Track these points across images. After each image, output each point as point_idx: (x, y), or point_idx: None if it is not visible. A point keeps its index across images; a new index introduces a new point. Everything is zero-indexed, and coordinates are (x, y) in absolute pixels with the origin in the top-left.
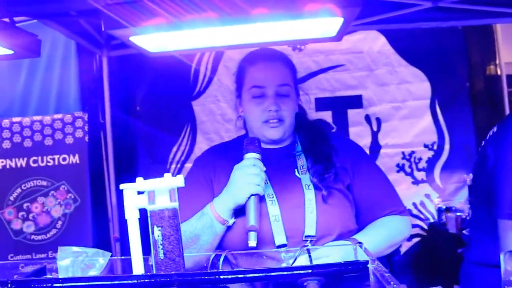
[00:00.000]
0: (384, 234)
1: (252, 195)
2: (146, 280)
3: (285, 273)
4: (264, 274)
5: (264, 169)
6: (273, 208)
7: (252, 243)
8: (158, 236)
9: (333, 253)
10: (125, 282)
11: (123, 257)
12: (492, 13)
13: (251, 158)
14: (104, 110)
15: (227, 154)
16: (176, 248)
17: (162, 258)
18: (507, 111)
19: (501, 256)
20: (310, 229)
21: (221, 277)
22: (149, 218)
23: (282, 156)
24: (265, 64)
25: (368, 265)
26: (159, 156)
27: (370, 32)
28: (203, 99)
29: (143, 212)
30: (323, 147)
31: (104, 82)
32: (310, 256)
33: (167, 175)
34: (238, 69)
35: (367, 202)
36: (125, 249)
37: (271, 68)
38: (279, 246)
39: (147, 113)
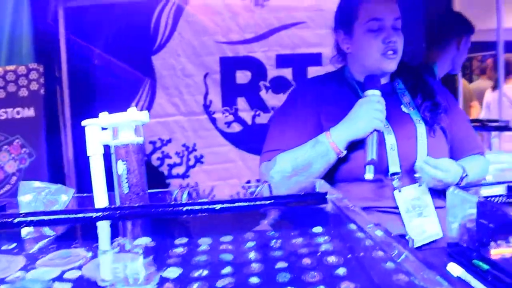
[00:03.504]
0: (478, 169)
1: (374, 130)
2: (111, 213)
3: (247, 203)
4: (227, 205)
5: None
6: (389, 137)
7: (369, 175)
8: (123, 170)
9: (451, 169)
10: (90, 215)
11: (86, 194)
12: None
13: (377, 95)
14: (60, 63)
15: (331, 86)
16: (140, 182)
17: (126, 192)
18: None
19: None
20: (421, 160)
21: (185, 208)
22: (112, 154)
23: (385, 93)
24: None
25: (327, 196)
26: (117, 110)
27: None
28: (163, 54)
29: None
30: (426, 86)
31: (60, 35)
32: (270, 189)
33: (132, 109)
34: (346, 4)
35: (459, 141)
36: None
37: (388, 1)
38: (393, 175)
39: (105, 67)
